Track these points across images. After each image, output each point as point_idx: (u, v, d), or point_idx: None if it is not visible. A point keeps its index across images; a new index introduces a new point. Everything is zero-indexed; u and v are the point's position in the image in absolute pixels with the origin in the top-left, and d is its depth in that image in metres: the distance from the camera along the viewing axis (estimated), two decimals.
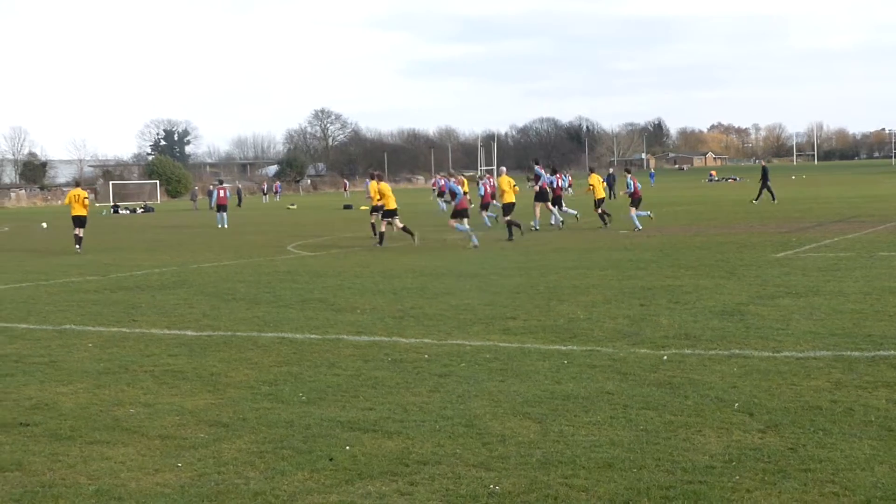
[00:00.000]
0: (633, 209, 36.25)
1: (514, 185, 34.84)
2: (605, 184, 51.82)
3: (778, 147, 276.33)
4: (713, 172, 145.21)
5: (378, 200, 32.90)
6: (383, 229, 32.53)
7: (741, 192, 76.78)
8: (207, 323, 15.68)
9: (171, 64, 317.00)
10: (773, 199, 54.76)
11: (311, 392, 10.47)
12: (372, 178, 35.23)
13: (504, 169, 38.57)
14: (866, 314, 14.35)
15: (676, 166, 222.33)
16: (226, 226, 48.32)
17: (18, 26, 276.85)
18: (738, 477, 7.22)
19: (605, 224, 37.04)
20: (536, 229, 37.48)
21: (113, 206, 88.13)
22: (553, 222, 39.73)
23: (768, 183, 56.13)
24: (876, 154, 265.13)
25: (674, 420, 8.87)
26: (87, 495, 7.32)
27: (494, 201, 40.45)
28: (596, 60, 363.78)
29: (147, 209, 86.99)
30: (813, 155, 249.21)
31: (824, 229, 32.64)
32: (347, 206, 72.95)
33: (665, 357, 11.61)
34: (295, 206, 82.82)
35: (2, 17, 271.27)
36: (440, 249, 29.79)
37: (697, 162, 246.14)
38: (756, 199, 55.14)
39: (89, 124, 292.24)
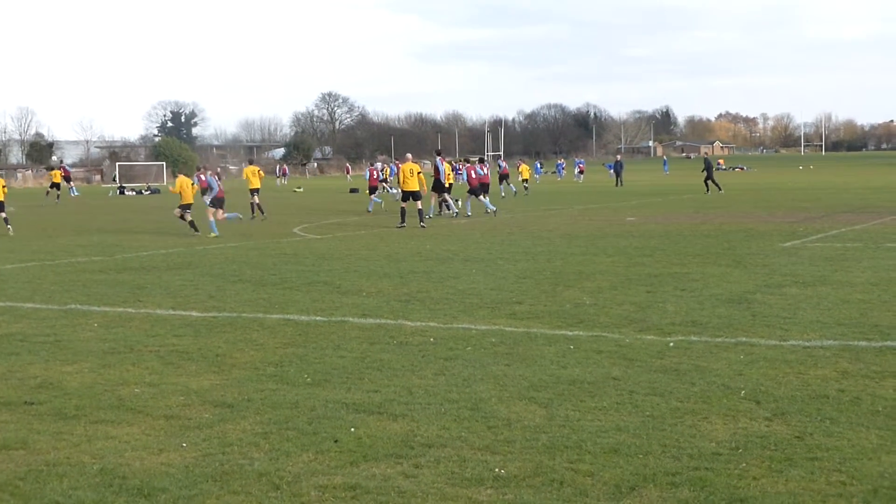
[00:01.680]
0: (472, 195, 38.68)
1: (419, 173, 34.96)
2: (610, 172, 52.40)
3: (786, 137, 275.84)
4: (721, 161, 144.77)
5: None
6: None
7: (750, 181, 76.73)
8: (213, 304, 15.66)
9: (178, 45, 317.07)
10: (720, 190, 54.29)
11: (316, 374, 10.45)
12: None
13: (409, 156, 38.62)
14: (873, 304, 14.31)
15: (683, 154, 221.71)
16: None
17: (26, 7, 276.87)
18: (744, 464, 7.20)
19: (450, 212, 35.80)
20: (430, 217, 37.21)
21: (119, 188, 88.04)
22: (487, 210, 39.91)
23: (713, 175, 55.76)
24: (884, 146, 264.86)
25: (680, 406, 8.85)
26: (92, 474, 7.31)
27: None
28: (607, 47, 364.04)
29: (153, 191, 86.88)
30: (821, 145, 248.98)
31: (832, 219, 32.58)
32: (353, 190, 72.89)
33: (671, 343, 11.59)
34: (301, 189, 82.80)
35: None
36: (446, 234, 29.75)
37: (705, 150, 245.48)
38: (707, 191, 54.55)
39: (96, 105, 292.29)
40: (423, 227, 32.62)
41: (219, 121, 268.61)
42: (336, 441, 7.98)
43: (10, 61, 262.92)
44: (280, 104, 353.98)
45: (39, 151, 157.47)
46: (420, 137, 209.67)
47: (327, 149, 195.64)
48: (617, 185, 71.11)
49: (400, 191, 35.40)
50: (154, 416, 8.96)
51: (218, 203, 32.96)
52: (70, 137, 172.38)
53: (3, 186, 35.94)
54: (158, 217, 42.53)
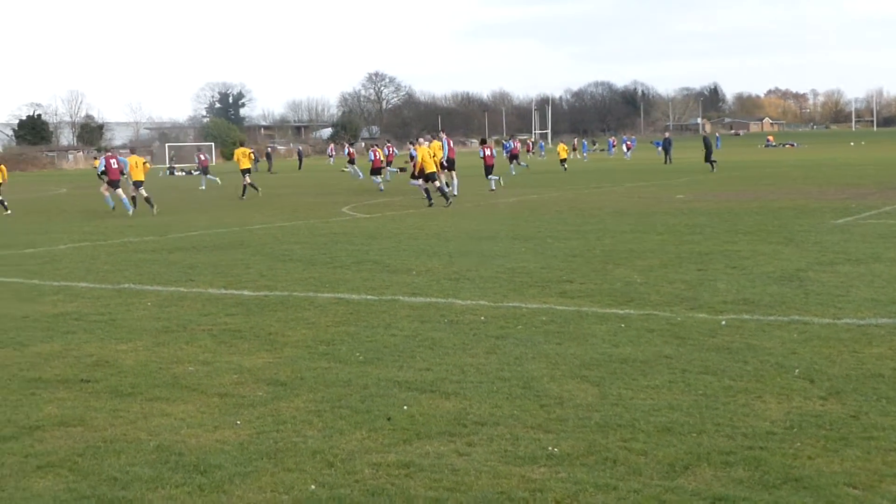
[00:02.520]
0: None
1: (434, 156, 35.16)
2: (658, 149, 52.82)
3: (836, 113, 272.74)
4: (770, 138, 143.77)
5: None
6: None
7: (800, 158, 76.09)
8: (264, 283, 15.75)
9: (226, 27, 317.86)
10: (712, 170, 54.15)
11: (368, 352, 10.49)
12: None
13: (427, 138, 39.40)
14: None
15: (732, 131, 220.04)
16: (203, 188, 53.70)
17: None
18: (798, 444, 7.16)
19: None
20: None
21: (169, 168, 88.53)
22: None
23: (710, 154, 56.28)
24: None
25: (733, 385, 8.81)
26: (148, 451, 7.38)
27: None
28: (655, 23, 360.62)
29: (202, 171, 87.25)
30: (872, 121, 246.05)
31: (884, 196, 32.23)
32: (402, 169, 72.88)
33: (723, 322, 11.53)
34: (347, 170, 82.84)
35: None
36: (496, 212, 29.72)
37: (754, 127, 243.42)
38: (713, 169, 54.32)
39: (145, 87, 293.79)
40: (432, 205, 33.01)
41: (266, 102, 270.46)
42: (389, 419, 8.02)
43: (61, 44, 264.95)
44: (327, 84, 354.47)
45: (90, 133, 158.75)
46: (467, 116, 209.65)
47: (374, 128, 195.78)
48: (666, 162, 70.71)
49: (398, 171, 36.57)
50: (208, 393, 9.03)
51: (113, 184, 34.39)
52: (120, 119, 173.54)
53: (145, 163, 36.52)
54: (208, 197, 42.75)
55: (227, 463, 7.05)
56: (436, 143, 37.29)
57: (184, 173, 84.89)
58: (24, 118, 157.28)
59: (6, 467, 7.13)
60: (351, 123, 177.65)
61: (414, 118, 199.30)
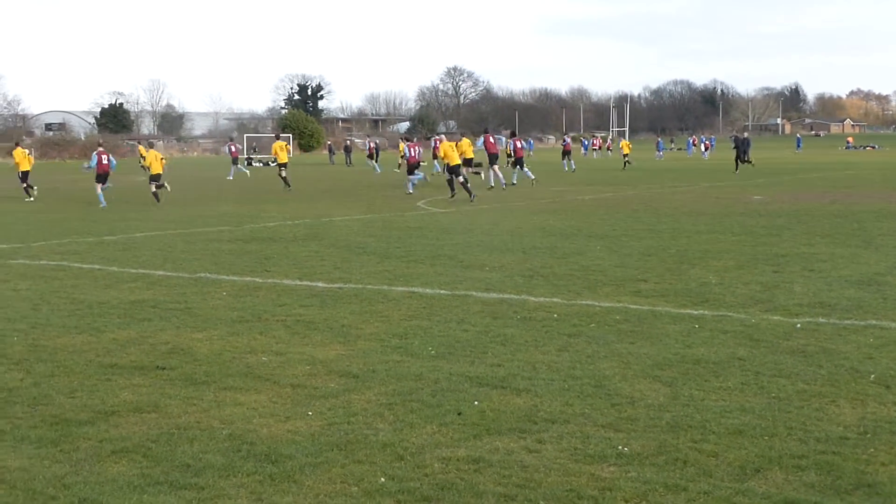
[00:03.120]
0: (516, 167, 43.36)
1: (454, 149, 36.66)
2: (734, 149, 52.90)
3: None
4: (850, 139, 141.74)
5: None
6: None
7: (881, 160, 75.02)
8: (339, 275, 15.84)
9: (307, 19, 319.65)
10: (735, 171, 54.18)
11: (440, 346, 10.53)
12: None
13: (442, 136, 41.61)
14: None
15: (812, 132, 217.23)
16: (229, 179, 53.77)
17: None
18: (872, 449, 7.08)
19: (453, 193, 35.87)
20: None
21: (247, 159, 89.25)
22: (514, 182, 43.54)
23: (741, 154, 55.90)
24: None
25: (807, 389, 8.72)
26: (221, 439, 7.47)
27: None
28: (738, 22, 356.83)
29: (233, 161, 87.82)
30: None
31: None
32: (477, 164, 72.89)
33: (798, 325, 11.41)
34: (426, 163, 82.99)
35: None
36: (570, 210, 29.64)
37: (834, 129, 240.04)
38: (740, 168, 54.19)
39: (225, 78, 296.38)
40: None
41: (345, 94, 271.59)
42: (459, 414, 8.04)
43: (144, 34, 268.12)
44: (405, 78, 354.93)
45: (170, 122, 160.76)
46: (545, 112, 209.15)
47: (451, 123, 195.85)
48: (742, 162, 69.93)
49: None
50: (281, 384, 9.11)
51: (101, 178, 35.39)
52: (200, 109, 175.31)
53: (163, 159, 37.53)
54: (284, 188, 43.03)
55: (299, 453, 7.12)
56: (465, 141, 40.21)
57: (261, 164, 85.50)
58: (105, 106, 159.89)
59: (82, 451, 7.25)
60: (428, 117, 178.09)
61: (491, 113, 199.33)
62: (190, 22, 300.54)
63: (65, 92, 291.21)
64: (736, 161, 54.57)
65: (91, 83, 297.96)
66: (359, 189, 43.33)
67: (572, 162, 62.01)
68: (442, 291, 14.13)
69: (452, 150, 35.70)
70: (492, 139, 42.98)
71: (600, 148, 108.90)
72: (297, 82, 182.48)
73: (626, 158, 64.95)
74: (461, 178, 35.06)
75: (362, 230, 23.60)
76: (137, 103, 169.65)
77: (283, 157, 45.36)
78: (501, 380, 9.12)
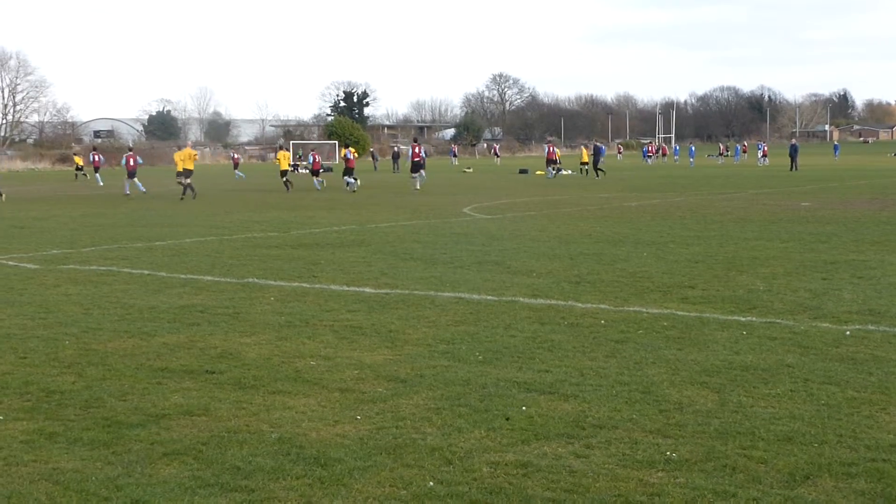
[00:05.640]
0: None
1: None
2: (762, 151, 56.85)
3: None
4: None
5: None
6: None
7: None
8: (385, 281, 15.89)
9: (353, 26, 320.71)
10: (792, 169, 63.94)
11: (487, 352, 10.54)
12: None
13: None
14: None
15: (861, 139, 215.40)
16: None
17: None
18: None
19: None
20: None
21: (293, 166, 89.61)
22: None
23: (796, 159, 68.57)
24: None
25: (857, 396, 8.67)
26: (270, 442, 7.52)
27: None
28: (784, 29, 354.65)
29: (326, 169, 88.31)
30: None
31: None
32: (523, 171, 72.98)
33: (848, 332, 11.34)
34: (471, 170, 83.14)
35: None
36: (617, 216, 29.58)
37: (884, 135, 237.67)
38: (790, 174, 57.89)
39: (272, 85, 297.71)
40: None
41: (390, 101, 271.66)
42: (507, 419, 8.05)
43: (191, 42, 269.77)
44: (451, 85, 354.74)
45: (217, 129, 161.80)
46: (590, 119, 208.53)
47: (497, 129, 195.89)
48: (791, 169, 69.65)
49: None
50: (329, 388, 9.16)
51: (130, 174, 46.92)
52: (246, 116, 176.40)
53: (194, 156, 43.45)
54: (330, 195, 43.24)
55: (348, 457, 7.15)
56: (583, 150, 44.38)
57: (307, 171, 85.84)
58: (153, 113, 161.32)
59: (133, 454, 7.32)
60: (473, 124, 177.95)
61: (536, 120, 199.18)
62: (237, 29, 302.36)
63: (113, 100, 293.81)
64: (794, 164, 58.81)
65: (139, 91, 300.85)
66: (404, 195, 43.37)
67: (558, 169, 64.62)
68: (489, 297, 14.14)
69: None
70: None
71: (655, 154, 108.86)
72: (343, 89, 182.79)
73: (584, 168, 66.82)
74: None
75: (408, 236, 23.66)
76: (185, 110, 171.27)
77: (285, 165, 50.72)
78: (549, 385, 9.13)
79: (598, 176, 60.98)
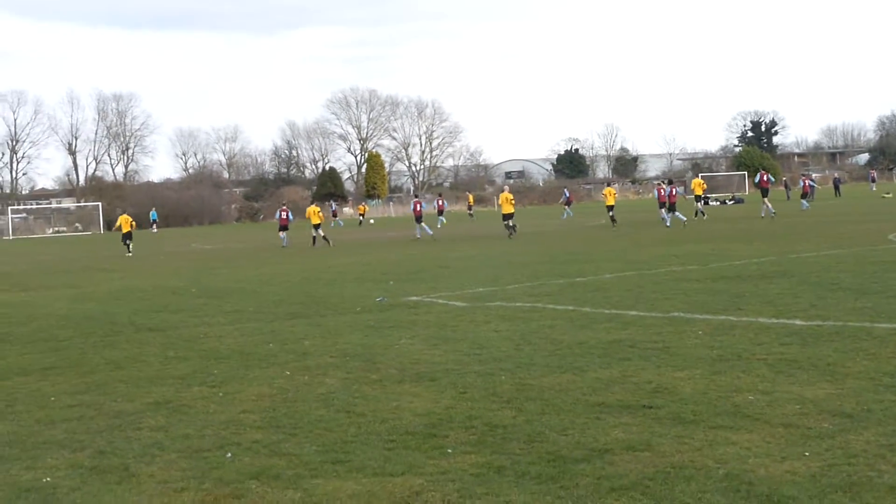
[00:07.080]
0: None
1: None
2: None
3: None
4: None
5: None
6: None
7: None
8: (815, 312, 15.37)
9: (759, 54, 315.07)
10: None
11: None
12: None
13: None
14: None
15: None
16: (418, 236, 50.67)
17: (610, 30, 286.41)
18: None
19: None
20: None
21: (702, 198, 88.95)
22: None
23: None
24: None
25: None
26: (717, 478, 7.39)
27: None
28: None
29: (737, 200, 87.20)
30: None
31: None
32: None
33: None
34: (890, 195, 79.49)
35: (593, 20, 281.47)
36: None
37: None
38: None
39: (678, 118, 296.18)
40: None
41: (799, 128, 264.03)
42: None
43: (599, 81, 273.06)
44: (864, 108, 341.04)
45: (624, 165, 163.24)
46: None
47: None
48: None
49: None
50: (771, 423, 8.91)
51: (281, 228, 51.19)
52: (653, 151, 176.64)
53: (319, 213, 50.27)
54: (747, 226, 42.49)
55: (801, 494, 6.92)
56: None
57: (718, 203, 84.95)
58: (562, 153, 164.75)
59: (581, 488, 7.38)
60: (889, 147, 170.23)
61: None
62: (643, 67, 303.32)
63: (523, 141, 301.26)
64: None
65: (548, 131, 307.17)
66: (820, 224, 41.99)
67: (678, 214, 49.93)
68: None
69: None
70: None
71: None
72: (750, 119, 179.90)
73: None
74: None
75: (833, 265, 22.81)
76: (592, 148, 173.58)
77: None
78: None
79: None
